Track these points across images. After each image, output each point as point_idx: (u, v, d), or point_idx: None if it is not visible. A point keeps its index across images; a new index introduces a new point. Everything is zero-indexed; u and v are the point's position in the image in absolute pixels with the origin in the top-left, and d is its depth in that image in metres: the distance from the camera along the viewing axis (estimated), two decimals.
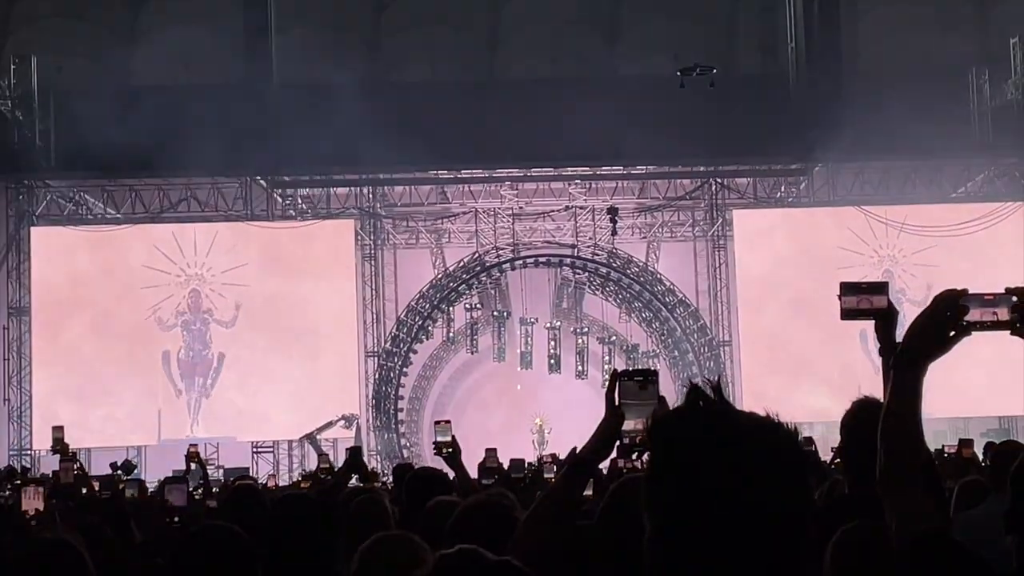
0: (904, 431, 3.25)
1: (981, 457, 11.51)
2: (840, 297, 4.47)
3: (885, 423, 3.26)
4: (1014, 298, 3.23)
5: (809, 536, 2.31)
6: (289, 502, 6.12)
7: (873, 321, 4.51)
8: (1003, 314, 3.21)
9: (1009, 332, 3.24)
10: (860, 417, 4.85)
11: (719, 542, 2.22)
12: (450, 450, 7.69)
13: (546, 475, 12.25)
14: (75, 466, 11.67)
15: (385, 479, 19.87)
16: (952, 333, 3.24)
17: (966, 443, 10.37)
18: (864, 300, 4.46)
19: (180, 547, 4.42)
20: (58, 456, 12.45)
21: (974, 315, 3.20)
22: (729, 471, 2.23)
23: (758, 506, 2.23)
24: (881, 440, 3.25)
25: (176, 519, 6.06)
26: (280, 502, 6.09)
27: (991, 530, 5.31)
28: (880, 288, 4.51)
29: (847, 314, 4.48)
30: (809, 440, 13.41)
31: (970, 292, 3.25)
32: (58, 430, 12.82)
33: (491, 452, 11.66)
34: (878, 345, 4.55)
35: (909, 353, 3.26)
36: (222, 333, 32.57)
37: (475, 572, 2.21)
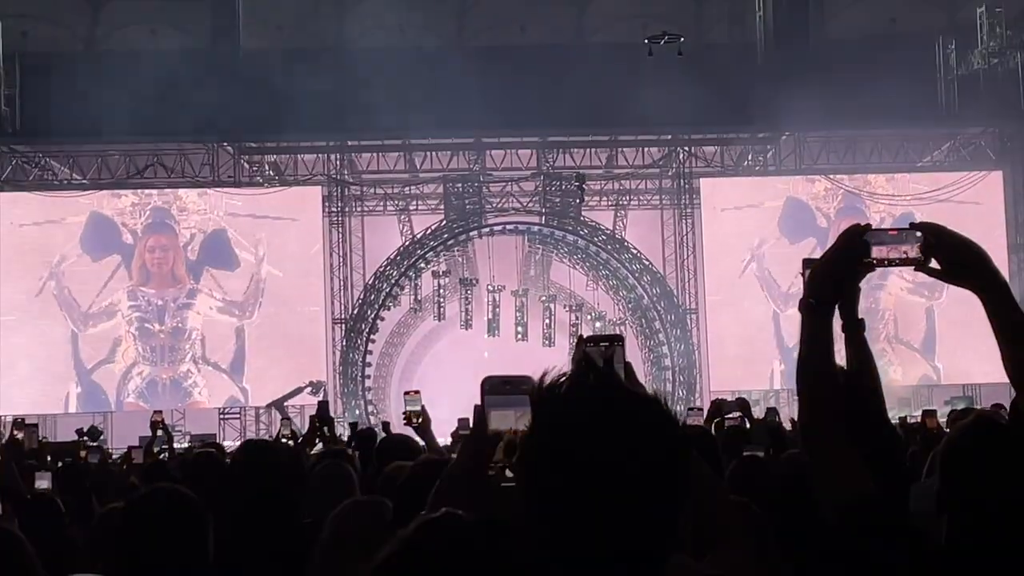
0: (820, 379, 3.09)
1: (945, 425, 11.61)
2: (803, 273, 4.51)
3: (800, 373, 3.11)
4: (918, 233, 3.13)
5: (681, 518, 2.29)
6: (257, 448, 6.08)
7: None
8: (912, 251, 3.12)
9: (914, 268, 3.15)
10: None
11: (592, 516, 2.23)
12: (420, 420, 7.73)
13: None
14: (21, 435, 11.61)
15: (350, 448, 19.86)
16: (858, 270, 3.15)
17: (929, 413, 10.48)
18: None
19: (127, 509, 4.43)
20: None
21: (880, 252, 3.13)
22: (606, 449, 2.24)
23: (631, 483, 2.23)
24: (799, 393, 3.11)
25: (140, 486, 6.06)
26: (247, 447, 6.02)
27: None
28: None
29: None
30: (773, 411, 13.49)
31: (874, 228, 3.18)
32: (32, 428, 12.77)
33: (463, 421, 11.71)
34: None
35: (815, 295, 3.16)
36: (188, 301, 32.44)
37: (458, 532, 2.24)
